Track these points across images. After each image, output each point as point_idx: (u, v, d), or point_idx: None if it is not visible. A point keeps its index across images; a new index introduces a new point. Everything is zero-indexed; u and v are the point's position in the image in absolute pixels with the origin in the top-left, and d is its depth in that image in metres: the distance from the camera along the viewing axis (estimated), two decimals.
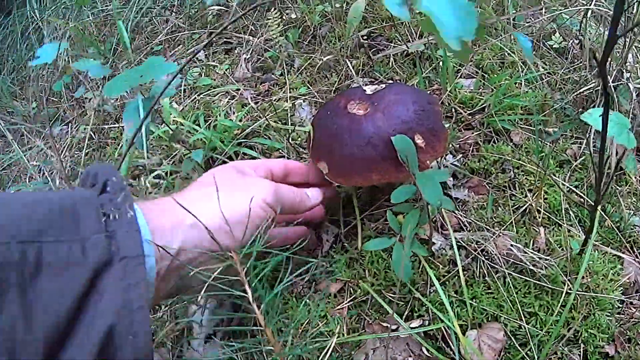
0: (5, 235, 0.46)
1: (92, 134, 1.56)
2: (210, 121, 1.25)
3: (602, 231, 0.92)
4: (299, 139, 1.13)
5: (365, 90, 0.88)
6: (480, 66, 1.17)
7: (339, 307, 0.87)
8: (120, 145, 1.45)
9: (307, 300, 0.89)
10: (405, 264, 0.73)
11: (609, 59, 1.06)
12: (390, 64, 1.21)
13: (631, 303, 0.84)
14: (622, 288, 0.85)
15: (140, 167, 1.29)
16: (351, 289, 0.88)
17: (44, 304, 0.47)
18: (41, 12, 2.13)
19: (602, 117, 0.61)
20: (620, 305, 0.84)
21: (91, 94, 1.65)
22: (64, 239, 0.49)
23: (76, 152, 1.58)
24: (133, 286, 0.50)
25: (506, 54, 1.18)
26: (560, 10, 1.25)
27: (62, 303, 0.47)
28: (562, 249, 0.86)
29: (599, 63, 0.49)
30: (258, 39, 1.42)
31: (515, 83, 1.13)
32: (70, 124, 1.66)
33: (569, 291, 0.80)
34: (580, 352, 0.79)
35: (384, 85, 0.89)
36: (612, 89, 1.04)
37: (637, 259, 0.88)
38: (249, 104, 1.25)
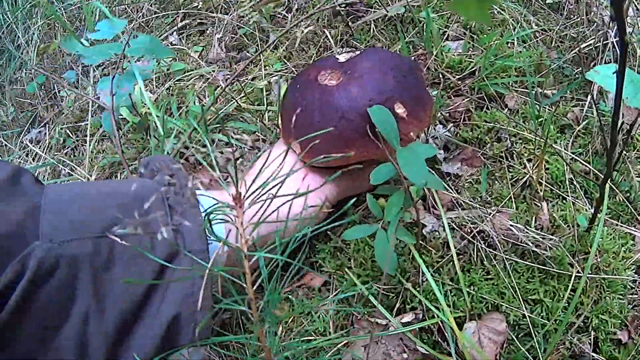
0: (80, 231, 0.48)
1: (70, 133, 1.45)
2: (182, 108, 1.13)
3: (610, 203, 0.80)
4: (276, 119, 1.01)
5: (338, 59, 0.76)
6: (468, 26, 1.04)
7: (324, 302, 0.76)
8: (96, 140, 1.34)
9: (290, 296, 0.79)
10: (390, 255, 0.62)
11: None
12: (371, 31, 1.08)
13: None
14: (634, 267, 0.74)
15: (117, 163, 1.18)
16: (337, 282, 0.77)
17: (115, 294, 0.49)
18: (13, 13, 1.99)
19: (617, 75, 0.48)
20: (633, 286, 0.73)
21: (65, 92, 1.53)
22: (132, 233, 0.47)
23: (55, 154, 1.48)
24: (198, 278, 0.52)
25: (495, 11, 1.04)
26: None
27: (132, 294, 0.50)
28: (568, 226, 0.75)
29: (613, 2, 0.36)
30: (230, 16, 1.29)
31: (507, 43, 1.00)
32: (47, 125, 1.55)
33: (577, 274, 0.69)
34: (590, 340, 0.69)
35: (358, 52, 0.77)
36: (615, 44, 0.91)
37: None
38: (221, 86, 1.13)
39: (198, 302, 0.52)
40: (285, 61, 1.12)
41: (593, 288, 0.71)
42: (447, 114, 0.90)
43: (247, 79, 1.14)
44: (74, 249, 0.48)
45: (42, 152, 1.49)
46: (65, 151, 1.44)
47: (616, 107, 0.51)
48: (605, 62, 0.93)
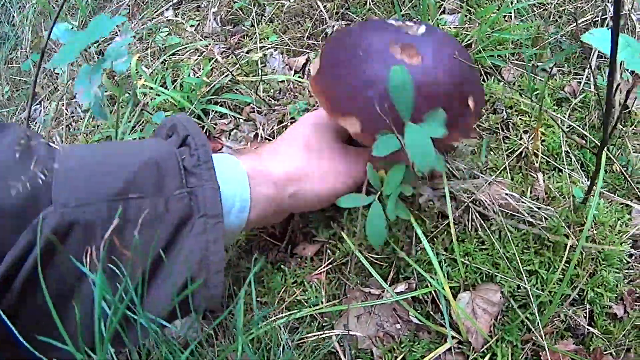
0: (93, 195, 0.45)
1: (65, 109, 1.39)
2: (177, 81, 1.08)
3: (607, 177, 0.76)
4: (271, 90, 0.96)
5: (401, 29, 0.67)
6: (465, 0, 0.98)
7: (316, 271, 0.72)
8: (91, 116, 1.28)
9: (283, 266, 0.75)
10: (379, 228, 0.58)
11: None
12: (368, 4, 1.03)
13: None
14: (631, 240, 0.70)
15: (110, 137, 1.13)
16: (329, 251, 0.73)
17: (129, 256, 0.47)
18: None
19: (611, 35, 0.44)
20: (629, 260, 0.69)
21: (60, 69, 1.47)
22: (147, 194, 0.48)
23: (52, 130, 1.42)
24: (211, 243, 0.50)
25: None
26: None
27: (146, 255, 0.48)
28: (564, 197, 0.71)
29: None
30: None
31: (504, 16, 0.95)
32: (42, 102, 1.49)
33: (573, 245, 0.65)
34: (585, 313, 0.65)
35: (421, 27, 0.68)
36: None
37: None
38: (217, 59, 1.08)
39: (210, 266, 0.50)
40: (281, 34, 1.07)
41: (589, 261, 0.67)
42: None
43: (242, 51, 1.08)
44: (87, 214, 0.45)
45: (38, 129, 1.44)
46: (60, 127, 1.39)
47: (611, 68, 0.47)
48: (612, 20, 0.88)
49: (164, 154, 0.52)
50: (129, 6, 1.48)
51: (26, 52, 1.70)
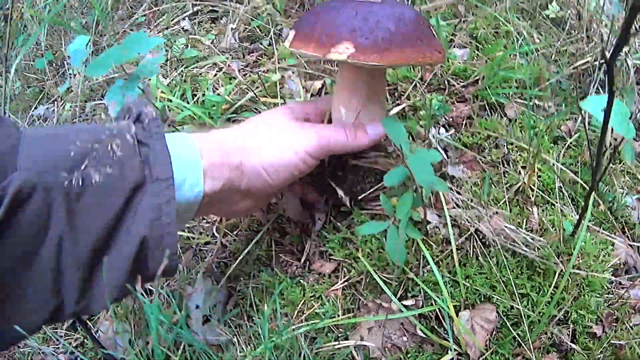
0: (54, 162, 0.53)
1: (79, 112, 1.49)
2: (198, 96, 1.19)
3: (594, 211, 0.90)
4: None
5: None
6: (475, 35, 1.12)
7: (333, 287, 0.85)
8: (108, 122, 1.38)
9: (302, 281, 0.87)
10: (400, 249, 0.71)
11: (610, 35, 1.02)
12: None
13: (620, 284, 0.83)
14: (612, 269, 0.84)
15: None
16: (345, 269, 0.86)
17: (88, 219, 0.54)
18: None
19: (604, 112, 0.57)
20: (609, 286, 0.83)
21: (74, 70, 1.57)
22: (104, 163, 0.55)
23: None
24: (164, 204, 0.57)
25: (501, 23, 1.12)
26: None
27: (104, 218, 0.55)
28: (555, 230, 0.84)
29: (607, 60, 0.44)
30: (245, 6, 1.34)
31: (510, 54, 1.08)
32: (55, 102, 1.58)
33: (561, 273, 0.79)
34: (569, 332, 0.79)
35: None
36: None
37: (628, 240, 0.87)
38: (237, 77, 1.19)
39: (163, 227, 0.57)
40: (298, 56, 1.19)
41: (574, 286, 0.81)
42: (451, 119, 0.98)
43: (260, 70, 1.20)
44: (48, 178, 0.52)
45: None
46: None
47: (601, 138, 0.60)
48: (599, 80, 1.02)
49: (118, 129, 0.60)
50: (144, 13, 1.58)
51: (39, 48, 1.78)
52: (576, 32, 1.14)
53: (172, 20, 1.50)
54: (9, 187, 0.50)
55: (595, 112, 0.64)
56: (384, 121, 0.74)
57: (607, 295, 0.83)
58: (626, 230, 0.89)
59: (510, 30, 1.10)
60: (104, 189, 0.55)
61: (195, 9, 1.50)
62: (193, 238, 1.03)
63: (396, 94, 1.02)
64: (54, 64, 1.69)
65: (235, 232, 0.99)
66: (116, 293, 0.58)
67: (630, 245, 0.87)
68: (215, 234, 1.01)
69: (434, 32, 0.76)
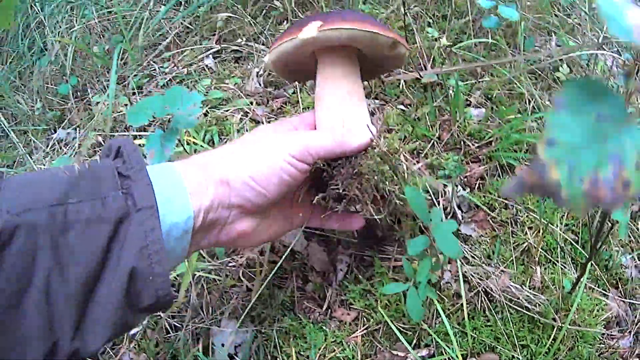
0: (36, 203, 0.59)
1: (102, 141, 1.71)
2: (224, 140, 1.41)
3: (591, 269, 1.11)
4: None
5: None
6: (490, 96, 1.34)
7: (353, 334, 1.06)
8: None
9: (324, 327, 1.09)
10: (418, 308, 0.92)
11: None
12: (401, 87, 1.38)
13: (611, 335, 1.04)
14: (604, 322, 1.05)
15: None
16: (365, 318, 1.07)
17: (75, 256, 0.59)
18: (42, 3, 2.24)
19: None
20: (601, 338, 1.04)
21: (99, 97, 1.80)
22: (86, 199, 0.62)
23: (86, 157, 1.73)
24: (149, 232, 0.63)
25: (515, 84, 1.34)
26: (569, 39, 1.41)
27: (91, 253, 0.60)
28: (555, 288, 1.06)
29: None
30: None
31: (521, 114, 1.30)
32: (77, 129, 1.81)
33: (558, 326, 1.00)
34: None
35: None
36: None
37: (620, 295, 1.08)
38: (262, 122, 1.41)
39: (151, 255, 0.63)
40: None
41: (569, 338, 1.02)
42: (465, 179, 1.20)
43: (284, 116, 1.42)
44: (30, 218, 0.57)
45: (72, 155, 1.76)
46: (95, 157, 1.71)
47: (598, 232, 0.81)
48: None
49: (98, 165, 0.67)
50: (168, 45, 1.81)
51: (60, 71, 2.01)
52: None
53: (195, 57, 1.73)
54: None
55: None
56: (407, 191, 0.95)
57: (598, 345, 1.04)
58: (619, 285, 1.10)
59: (523, 92, 1.33)
60: (88, 224, 0.60)
61: (219, 46, 1.72)
62: (220, 281, 1.24)
63: (415, 152, 1.24)
64: (76, 89, 1.91)
65: (260, 277, 1.20)
66: (110, 330, 0.63)
67: (622, 300, 1.08)
68: (241, 277, 1.23)
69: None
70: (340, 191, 0.85)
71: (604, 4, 0.42)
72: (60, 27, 2.14)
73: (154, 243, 0.63)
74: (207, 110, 1.53)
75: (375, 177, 0.85)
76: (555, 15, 1.58)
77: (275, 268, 1.10)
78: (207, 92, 1.57)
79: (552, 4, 1.56)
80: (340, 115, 0.89)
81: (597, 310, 1.06)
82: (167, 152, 1.04)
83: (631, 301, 1.09)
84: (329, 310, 1.11)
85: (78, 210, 0.60)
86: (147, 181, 0.66)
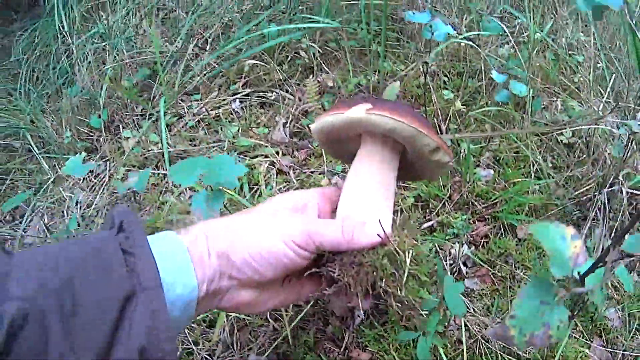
0: (45, 288, 0.66)
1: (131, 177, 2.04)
2: (253, 189, 1.74)
3: (577, 319, 1.43)
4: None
5: None
6: (498, 158, 1.66)
7: None
8: (162, 192, 1.94)
9: None
10: (426, 354, 1.25)
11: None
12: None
13: None
14: None
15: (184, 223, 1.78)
16: (378, 359, 1.40)
17: (85, 336, 0.65)
18: (70, 26, 2.59)
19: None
20: None
21: (130, 132, 2.13)
22: (92, 279, 0.68)
23: (114, 192, 2.06)
24: (157, 312, 0.70)
25: (521, 148, 1.66)
26: (574, 103, 1.74)
27: (100, 333, 0.67)
28: None
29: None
30: (295, 104, 1.90)
31: (524, 175, 1.62)
32: (108, 162, 2.14)
33: None
34: None
35: None
36: (606, 195, 1.53)
37: (604, 345, 1.40)
38: (288, 173, 1.74)
39: (161, 333, 0.69)
40: (345, 164, 1.73)
41: None
42: (471, 237, 1.52)
43: (309, 170, 1.74)
44: (40, 303, 0.64)
45: (100, 187, 2.08)
46: (124, 193, 2.04)
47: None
48: (597, 209, 1.55)
49: (104, 241, 0.73)
50: (197, 87, 2.14)
51: (90, 101, 2.34)
52: (584, 155, 1.68)
53: (222, 100, 2.06)
54: (4, 318, 0.61)
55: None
56: (446, 280, 1.26)
57: None
58: (603, 335, 1.42)
59: (528, 155, 1.65)
60: (96, 304, 0.67)
61: (246, 90, 2.05)
62: (249, 321, 1.57)
63: (427, 210, 1.56)
64: (107, 122, 2.24)
65: (287, 319, 1.53)
66: None
67: (605, 349, 1.40)
68: (269, 318, 1.55)
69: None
70: (335, 274, 0.89)
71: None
72: (89, 56, 2.49)
73: (161, 323, 0.70)
74: (236, 157, 1.85)
75: (374, 273, 0.88)
76: (563, 73, 1.90)
77: (302, 314, 1.43)
78: (234, 139, 1.90)
79: (561, 63, 1.89)
80: (361, 205, 0.95)
81: (580, 357, 1.38)
82: (214, 213, 1.18)
83: (613, 350, 1.41)
84: (347, 351, 1.44)
85: (85, 293, 0.67)
86: (151, 259, 0.73)
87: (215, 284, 0.82)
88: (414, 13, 1.44)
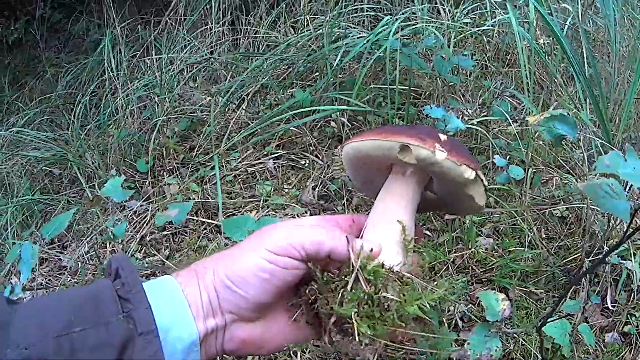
0: (43, 334, 0.70)
1: (170, 223, 2.42)
2: None
3: None
4: None
5: None
6: (497, 229, 2.02)
7: None
8: (200, 237, 2.32)
9: None
10: None
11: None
12: (428, 215, 2.06)
13: None
14: None
15: None
16: None
17: None
18: (117, 67, 3.03)
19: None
20: None
21: (172, 179, 2.53)
22: (90, 326, 0.72)
23: (154, 230, 2.44)
24: (153, 356, 0.73)
25: (518, 220, 2.02)
26: (570, 180, 2.09)
27: None
28: None
29: None
30: (324, 169, 2.27)
31: (521, 244, 1.97)
32: (150, 203, 2.52)
33: None
34: None
35: None
36: (590, 263, 1.88)
37: None
38: None
39: None
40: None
41: None
42: (468, 297, 1.87)
43: None
44: (40, 349, 0.68)
45: (141, 223, 2.45)
46: (164, 234, 2.42)
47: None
48: (585, 275, 1.89)
49: (100, 288, 0.78)
50: (235, 146, 2.53)
51: (135, 145, 2.75)
52: (575, 226, 2.02)
53: (257, 159, 2.44)
54: None
55: (556, 337, 1.52)
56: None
57: None
58: None
59: (524, 227, 2.00)
60: (94, 351, 0.70)
61: (279, 152, 2.44)
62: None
63: (433, 272, 1.92)
64: (154, 170, 2.64)
65: (306, 356, 1.88)
66: None
67: None
68: (291, 354, 1.90)
69: None
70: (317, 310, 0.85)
71: None
72: (133, 99, 2.91)
73: None
74: (268, 212, 2.23)
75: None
76: (563, 149, 2.26)
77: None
78: (269, 196, 2.28)
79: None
80: (385, 235, 0.90)
81: None
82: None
83: None
84: None
85: (83, 338, 0.70)
86: (145, 304, 0.76)
87: (213, 322, 0.81)
88: (431, 107, 1.81)
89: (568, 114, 1.40)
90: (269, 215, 2.21)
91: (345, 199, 2.19)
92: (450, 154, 0.88)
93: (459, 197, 0.99)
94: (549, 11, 2.52)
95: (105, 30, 3.47)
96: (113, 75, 3.11)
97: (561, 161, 2.18)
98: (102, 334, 0.71)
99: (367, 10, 2.87)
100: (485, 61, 2.73)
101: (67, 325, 0.71)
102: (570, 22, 2.59)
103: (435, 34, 2.35)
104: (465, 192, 0.96)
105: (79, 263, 2.41)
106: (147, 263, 2.28)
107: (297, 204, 2.22)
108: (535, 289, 1.91)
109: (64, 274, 2.46)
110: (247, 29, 3.21)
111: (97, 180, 2.73)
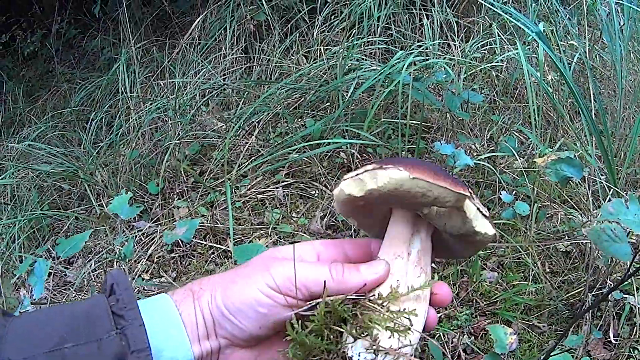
0: (33, 349, 0.73)
1: (180, 242, 2.55)
2: None
3: None
4: None
5: None
6: (502, 263, 2.14)
7: None
8: (207, 261, 2.45)
9: None
10: None
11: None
12: None
13: None
14: None
15: None
16: None
17: None
18: (130, 87, 3.20)
19: None
20: None
21: (182, 202, 2.66)
22: (82, 342, 0.74)
23: (162, 252, 2.57)
24: None
25: (522, 255, 2.14)
26: (573, 215, 2.22)
27: None
28: None
29: None
30: (332, 200, 2.40)
31: (524, 277, 2.09)
32: (159, 225, 2.66)
33: None
34: None
35: None
36: (593, 298, 1.99)
37: None
38: None
39: None
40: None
41: None
42: (472, 329, 1.99)
43: None
44: None
45: (151, 248, 2.59)
46: (172, 255, 2.55)
47: None
48: (588, 310, 2.01)
49: (94, 304, 0.80)
50: (246, 173, 2.67)
51: (146, 167, 2.91)
52: (579, 261, 2.14)
53: (267, 185, 2.58)
54: None
55: None
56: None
57: None
58: None
59: (528, 262, 2.12)
60: None
61: (288, 181, 2.58)
62: None
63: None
64: (165, 191, 2.78)
65: None
66: None
67: None
68: None
69: None
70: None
71: None
72: (145, 121, 3.06)
73: None
74: (276, 240, 2.36)
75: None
76: (569, 184, 2.38)
77: None
78: (277, 224, 2.41)
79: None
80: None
81: None
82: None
83: None
84: None
85: (75, 354, 0.72)
86: (139, 322, 0.77)
87: (208, 345, 0.83)
88: (441, 143, 1.95)
89: (574, 157, 1.53)
90: (279, 243, 2.34)
91: (352, 229, 2.32)
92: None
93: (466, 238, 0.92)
94: (557, 47, 2.67)
95: (121, 50, 3.65)
96: (127, 95, 3.27)
97: (566, 197, 2.31)
98: (94, 350, 0.73)
99: (379, 43, 3.03)
100: (494, 95, 2.88)
101: (59, 340, 0.73)
102: (577, 58, 2.73)
103: (445, 68, 2.51)
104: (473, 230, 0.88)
105: (85, 280, 2.53)
106: (155, 284, 2.40)
107: (305, 233, 2.34)
108: (539, 322, 2.03)
109: (69, 289, 2.59)
110: (260, 56, 3.37)
111: (106, 199, 2.87)
